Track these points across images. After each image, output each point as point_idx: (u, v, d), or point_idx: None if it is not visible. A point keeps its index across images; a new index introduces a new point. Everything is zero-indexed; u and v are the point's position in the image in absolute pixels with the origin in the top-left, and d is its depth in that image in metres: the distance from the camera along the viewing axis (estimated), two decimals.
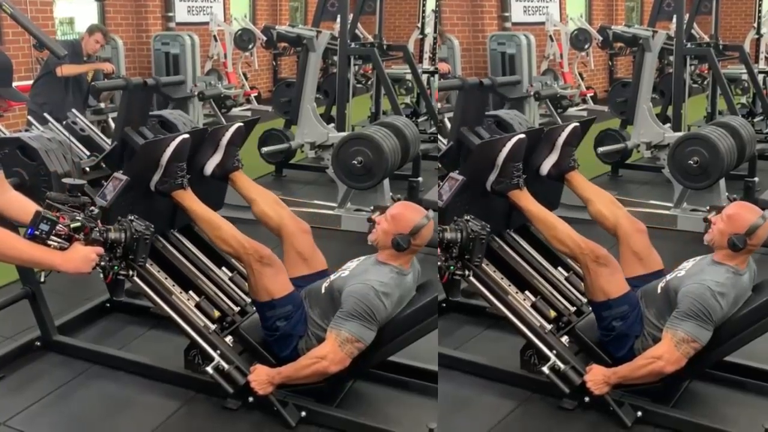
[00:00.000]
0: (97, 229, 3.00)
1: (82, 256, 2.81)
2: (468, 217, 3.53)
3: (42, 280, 3.11)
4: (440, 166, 3.92)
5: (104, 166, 3.89)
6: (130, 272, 3.35)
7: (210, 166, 3.86)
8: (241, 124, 3.95)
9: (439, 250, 3.49)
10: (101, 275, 3.24)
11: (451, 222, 3.52)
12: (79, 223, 2.86)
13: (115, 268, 3.28)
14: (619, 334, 3.48)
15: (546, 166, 3.82)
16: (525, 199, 3.66)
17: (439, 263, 3.50)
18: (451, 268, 3.50)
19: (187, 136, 3.65)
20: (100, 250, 2.91)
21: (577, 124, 3.86)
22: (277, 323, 3.46)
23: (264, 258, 3.47)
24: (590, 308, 3.71)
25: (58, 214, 2.83)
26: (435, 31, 9.10)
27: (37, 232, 2.77)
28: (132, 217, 3.37)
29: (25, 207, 2.96)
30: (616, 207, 3.78)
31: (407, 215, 3.45)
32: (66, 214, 2.86)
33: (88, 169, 3.78)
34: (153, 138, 3.86)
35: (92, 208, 3.17)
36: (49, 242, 2.78)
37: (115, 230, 3.22)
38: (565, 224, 3.58)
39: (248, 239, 3.52)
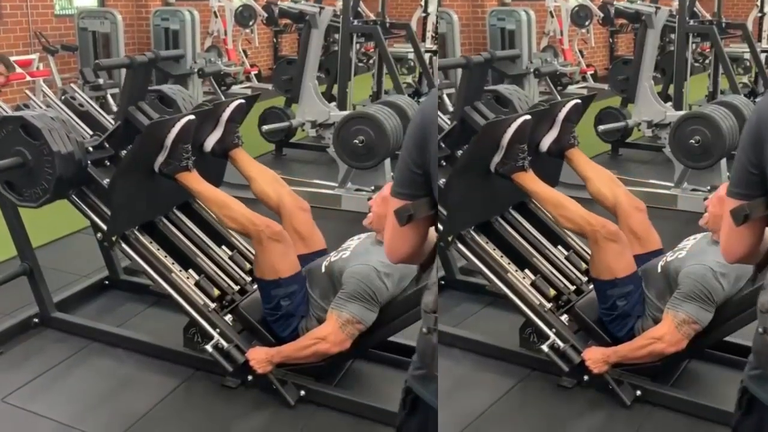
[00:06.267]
0: None
1: None
2: None
3: None
4: (443, 145, 3.86)
5: (107, 145, 3.83)
6: None
7: (210, 143, 3.80)
8: (242, 100, 3.90)
9: None
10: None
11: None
12: None
13: None
14: (622, 314, 3.47)
15: (546, 143, 3.75)
16: (531, 180, 3.56)
17: None
18: None
19: (193, 117, 3.56)
20: None
21: (578, 100, 3.80)
22: (281, 302, 3.45)
23: (276, 234, 3.43)
24: (590, 287, 3.71)
25: None
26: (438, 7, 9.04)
27: None
28: None
29: None
30: (616, 185, 3.75)
31: None
32: None
33: (91, 149, 3.73)
34: (158, 118, 3.80)
35: None
36: None
37: None
38: (573, 202, 3.52)
39: (258, 216, 3.48)
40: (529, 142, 3.59)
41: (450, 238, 3.65)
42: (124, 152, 3.83)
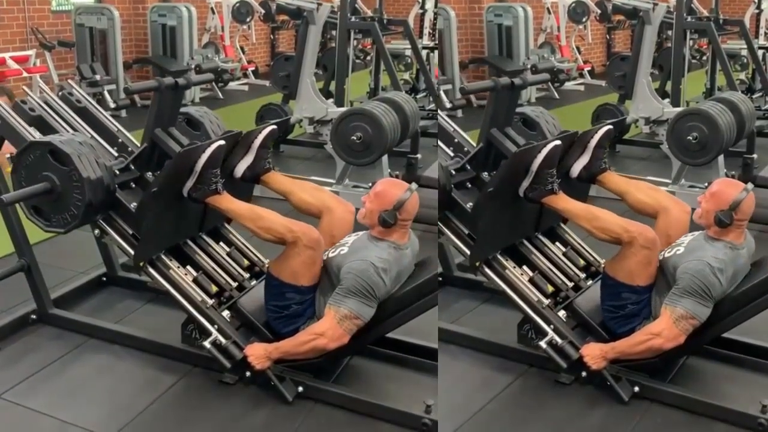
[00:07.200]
0: None
1: None
2: None
3: None
4: (468, 168, 3.86)
5: (133, 168, 3.79)
6: None
7: (240, 169, 3.76)
8: (274, 126, 3.85)
9: None
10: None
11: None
12: None
13: None
14: (629, 313, 3.46)
15: (576, 169, 3.73)
16: (561, 200, 3.55)
17: None
18: None
19: (222, 142, 3.52)
20: None
21: (611, 126, 3.78)
22: (293, 305, 3.45)
23: (312, 241, 3.39)
24: (588, 283, 3.72)
25: None
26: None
27: None
28: None
29: None
30: (655, 191, 3.75)
31: (390, 191, 3.44)
32: None
33: (117, 171, 3.70)
34: (188, 145, 3.72)
35: None
36: None
37: None
38: (607, 212, 3.48)
39: (297, 222, 3.44)
40: (559, 168, 3.59)
41: (477, 264, 3.66)
42: (149, 173, 3.81)
